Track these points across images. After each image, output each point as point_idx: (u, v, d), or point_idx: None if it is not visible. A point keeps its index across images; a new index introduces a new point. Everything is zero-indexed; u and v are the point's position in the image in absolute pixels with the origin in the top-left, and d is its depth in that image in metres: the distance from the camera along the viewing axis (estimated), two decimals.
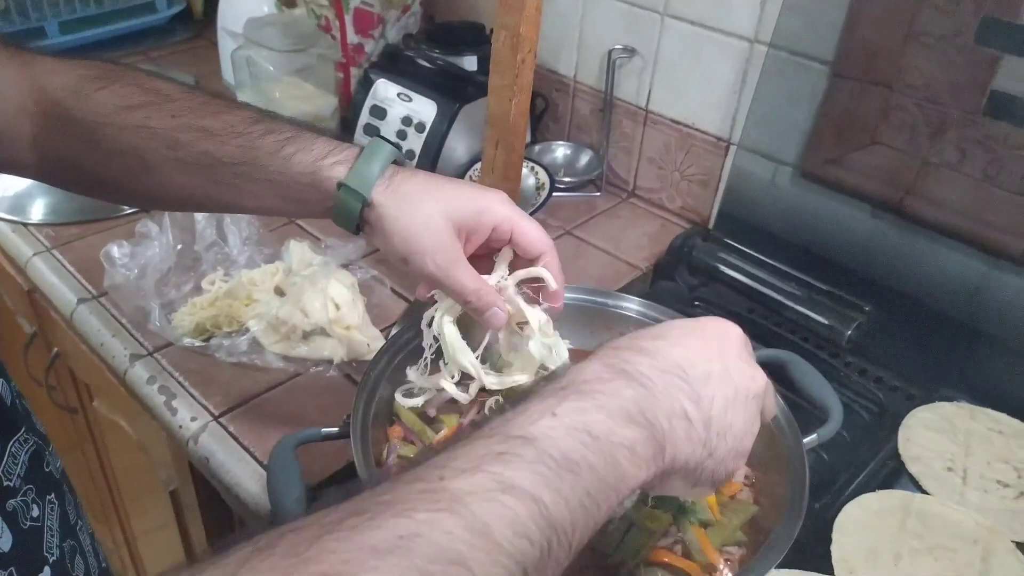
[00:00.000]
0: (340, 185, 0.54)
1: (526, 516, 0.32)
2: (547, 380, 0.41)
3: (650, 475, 0.39)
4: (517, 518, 0.31)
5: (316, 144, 0.56)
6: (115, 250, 0.93)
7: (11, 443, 0.55)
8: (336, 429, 0.65)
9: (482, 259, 0.60)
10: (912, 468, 0.77)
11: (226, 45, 1.36)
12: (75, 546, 0.61)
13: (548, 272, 0.58)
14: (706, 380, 0.43)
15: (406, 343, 0.73)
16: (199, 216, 0.99)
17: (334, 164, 0.55)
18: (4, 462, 0.53)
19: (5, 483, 0.53)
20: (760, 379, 0.47)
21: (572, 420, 0.36)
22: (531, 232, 0.57)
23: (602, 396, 0.38)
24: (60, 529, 0.58)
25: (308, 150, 0.55)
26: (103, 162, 0.58)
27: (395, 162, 0.57)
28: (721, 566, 0.58)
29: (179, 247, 0.98)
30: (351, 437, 0.61)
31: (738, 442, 0.44)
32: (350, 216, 0.55)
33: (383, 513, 0.29)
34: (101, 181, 0.60)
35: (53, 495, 0.59)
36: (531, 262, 0.58)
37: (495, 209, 0.56)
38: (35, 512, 0.55)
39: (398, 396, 0.69)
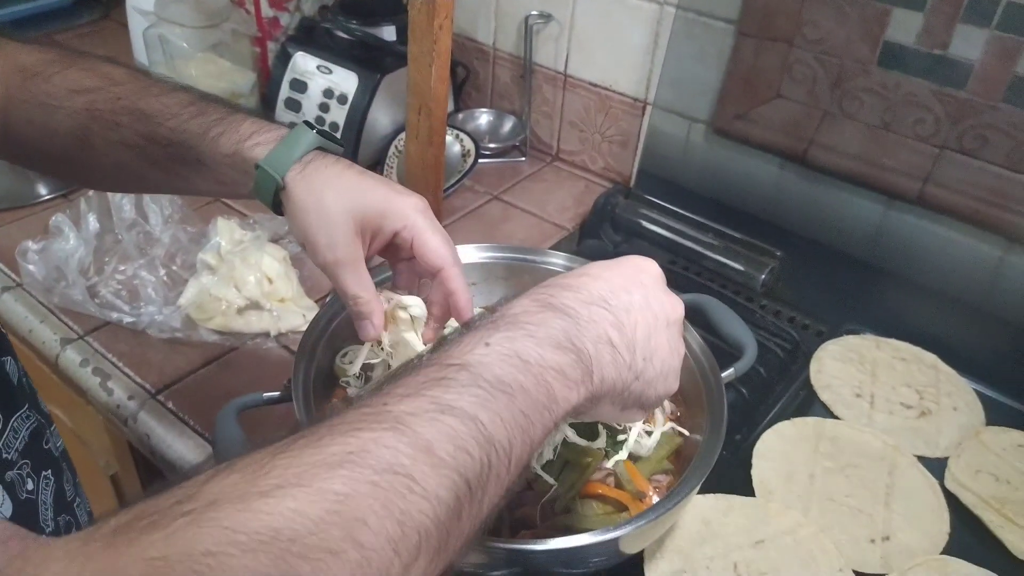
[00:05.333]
0: (257, 166, 0.55)
1: (465, 433, 0.34)
2: (480, 316, 0.44)
3: (581, 398, 0.41)
4: (457, 435, 0.34)
5: (242, 125, 0.56)
6: (30, 247, 0.91)
7: (13, 418, 0.59)
8: (278, 393, 0.66)
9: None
10: (823, 396, 0.83)
11: (137, 24, 1.32)
12: (71, 521, 0.64)
13: (420, 301, 0.60)
14: (628, 309, 0.45)
15: (341, 309, 0.74)
16: (115, 196, 0.97)
17: (255, 145, 0.55)
18: (5, 436, 0.57)
19: (4, 455, 0.56)
20: (679, 306, 0.50)
21: (504, 348, 0.39)
22: (430, 244, 0.56)
23: (531, 327, 0.41)
24: (55, 504, 0.62)
25: (234, 131, 0.55)
26: (52, 141, 0.59)
27: (322, 149, 0.56)
28: (650, 493, 0.63)
29: (96, 230, 0.96)
30: (294, 400, 0.62)
31: (664, 364, 0.47)
32: (265, 196, 0.56)
33: (331, 434, 0.32)
34: (51, 159, 0.62)
35: (50, 472, 0.62)
36: (434, 275, 0.58)
37: (403, 214, 0.55)
38: (29, 486, 0.59)
39: (338, 361, 0.71)
